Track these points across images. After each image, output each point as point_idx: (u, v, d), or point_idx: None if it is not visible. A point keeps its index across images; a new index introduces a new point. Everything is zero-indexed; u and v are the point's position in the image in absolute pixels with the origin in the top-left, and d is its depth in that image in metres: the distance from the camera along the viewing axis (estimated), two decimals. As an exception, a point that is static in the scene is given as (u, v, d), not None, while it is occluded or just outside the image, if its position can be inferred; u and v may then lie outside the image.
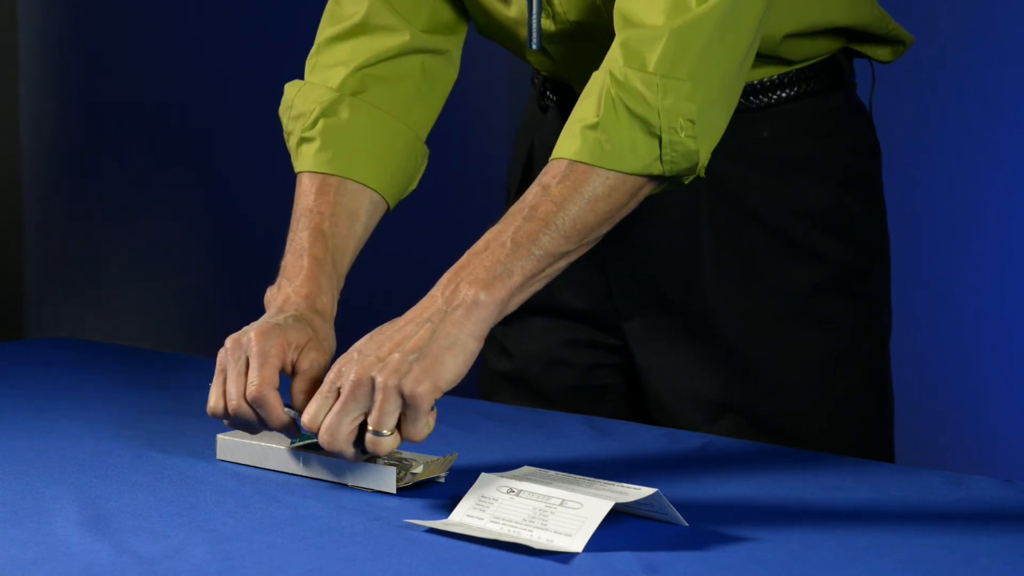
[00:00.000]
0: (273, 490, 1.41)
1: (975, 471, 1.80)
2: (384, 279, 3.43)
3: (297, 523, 1.31)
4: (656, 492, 1.28)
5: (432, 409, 1.35)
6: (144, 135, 3.86)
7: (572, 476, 1.36)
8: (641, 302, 1.71)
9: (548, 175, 1.40)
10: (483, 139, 3.38)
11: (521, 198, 1.41)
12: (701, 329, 1.68)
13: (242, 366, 1.43)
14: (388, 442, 1.34)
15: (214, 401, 1.43)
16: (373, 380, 1.33)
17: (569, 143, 1.41)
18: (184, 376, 1.90)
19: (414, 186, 1.69)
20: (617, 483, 1.33)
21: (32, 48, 4.03)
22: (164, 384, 1.85)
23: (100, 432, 1.60)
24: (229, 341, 1.44)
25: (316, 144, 1.61)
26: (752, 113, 1.64)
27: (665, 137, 1.40)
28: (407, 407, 1.33)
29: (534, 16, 1.59)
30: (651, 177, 1.42)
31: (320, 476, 1.44)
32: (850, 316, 1.68)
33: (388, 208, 1.64)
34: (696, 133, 1.41)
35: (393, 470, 1.39)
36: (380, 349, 1.34)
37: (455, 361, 1.34)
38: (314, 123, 1.62)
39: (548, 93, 1.74)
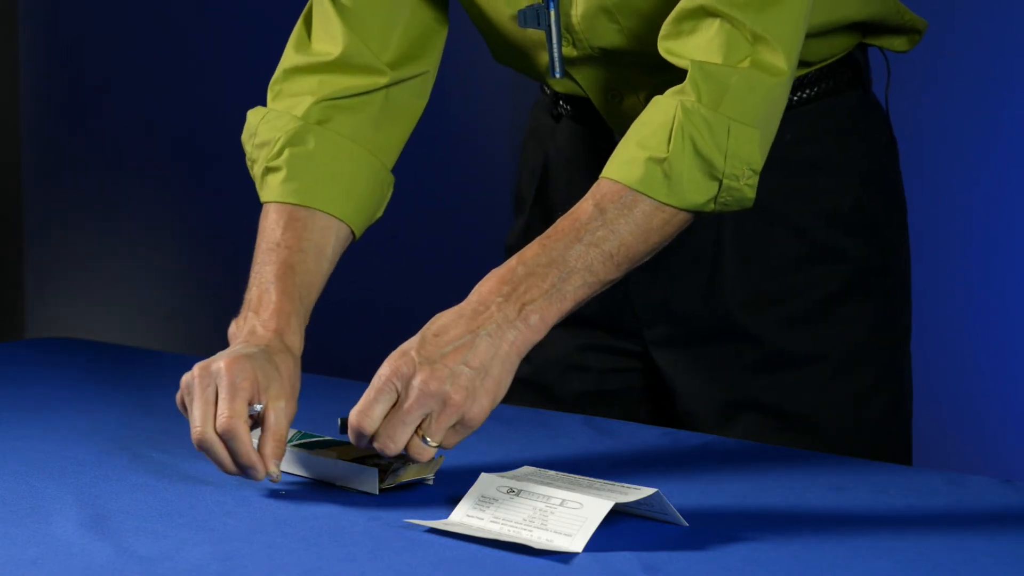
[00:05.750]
0: (273, 490, 1.40)
1: (975, 471, 1.80)
2: (385, 281, 3.43)
3: (297, 523, 1.31)
4: (656, 492, 1.28)
5: None
6: (145, 135, 3.86)
7: (572, 476, 1.36)
8: (662, 307, 1.70)
9: (606, 198, 1.40)
10: (485, 143, 3.38)
11: (574, 214, 1.40)
12: (723, 330, 1.67)
13: (210, 395, 1.38)
14: (431, 451, 1.35)
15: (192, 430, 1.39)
16: (445, 393, 1.32)
17: (631, 170, 1.40)
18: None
19: (380, 213, 1.68)
20: (617, 483, 1.33)
21: (32, 48, 4.03)
22: (164, 384, 1.84)
23: (100, 432, 1.60)
24: (197, 368, 1.39)
25: (282, 174, 1.58)
26: None
27: (726, 182, 1.41)
28: (461, 424, 1.34)
29: (555, 45, 1.58)
30: (700, 213, 1.43)
31: (308, 475, 1.44)
32: (870, 314, 1.68)
33: (354, 238, 1.62)
34: (755, 182, 1.42)
35: (376, 471, 1.39)
36: (445, 358, 1.34)
37: (508, 382, 1.35)
38: (280, 152, 1.59)
39: (561, 102, 1.73)
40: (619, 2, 1.55)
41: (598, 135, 1.68)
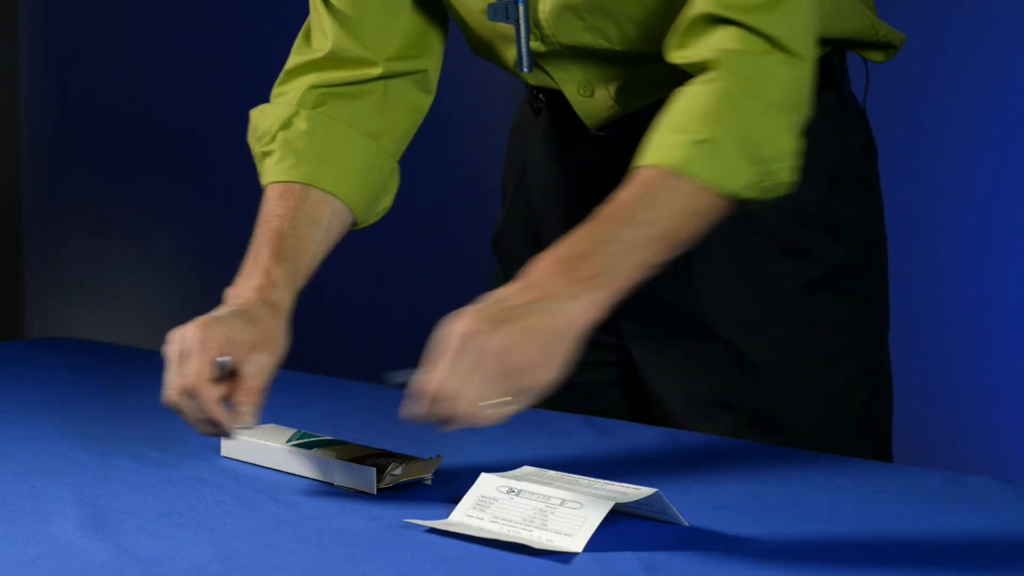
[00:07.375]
0: (273, 490, 1.41)
1: (975, 471, 1.80)
2: (376, 278, 3.43)
3: (297, 523, 1.31)
4: (656, 492, 1.28)
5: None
6: (145, 135, 3.87)
7: (572, 476, 1.36)
8: (637, 301, 1.71)
9: (654, 182, 1.39)
10: (479, 140, 3.38)
11: (618, 200, 1.38)
12: (696, 327, 1.68)
13: (179, 360, 1.43)
14: (508, 410, 1.31)
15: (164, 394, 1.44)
16: (522, 352, 1.30)
17: (673, 153, 1.39)
18: (184, 376, 1.89)
19: (388, 202, 1.69)
20: (617, 483, 1.33)
21: (32, 48, 4.03)
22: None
23: (100, 432, 1.60)
24: (169, 335, 1.45)
25: (276, 155, 1.62)
26: None
27: (767, 166, 1.40)
28: (521, 390, 1.32)
29: (523, 40, 1.60)
30: (737, 201, 1.42)
31: (307, 474, 1.44)
32: (842, 314, 1.68)
33: (354, 219, 1.64)
34: (793, 165, 1.42)
35: (373, 471, 1.39)
36: (518, 319, 1.31)
37: (569, 357, 1.34)
38: (273, 137, 1.63)
39: (540, 96, 1.74)
40: (586, 0, 1.55)
41: (574, 128, 1.68)
